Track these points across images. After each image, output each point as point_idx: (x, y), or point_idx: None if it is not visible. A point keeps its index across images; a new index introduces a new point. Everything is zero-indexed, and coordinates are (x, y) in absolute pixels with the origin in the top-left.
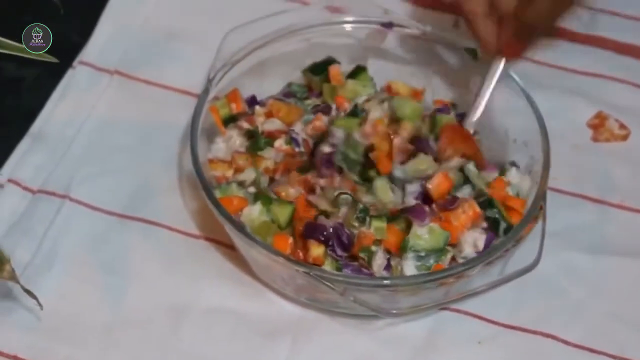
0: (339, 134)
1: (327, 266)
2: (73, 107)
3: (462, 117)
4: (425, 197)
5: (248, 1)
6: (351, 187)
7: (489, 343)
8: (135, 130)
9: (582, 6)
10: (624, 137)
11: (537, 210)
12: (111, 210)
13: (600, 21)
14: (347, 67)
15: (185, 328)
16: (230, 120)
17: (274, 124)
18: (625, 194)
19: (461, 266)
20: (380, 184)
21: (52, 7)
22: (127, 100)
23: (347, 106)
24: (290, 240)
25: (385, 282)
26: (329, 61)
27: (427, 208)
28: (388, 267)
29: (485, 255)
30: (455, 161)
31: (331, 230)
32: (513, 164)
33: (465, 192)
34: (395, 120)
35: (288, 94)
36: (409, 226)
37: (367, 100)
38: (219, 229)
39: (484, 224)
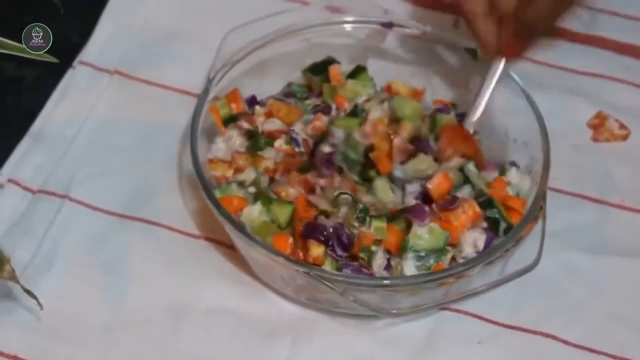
0: (339, 134)
1: (327, 266)
2: (73, 107)
3: (462, 117)
4: (425, 197)
5: (248, 1)
6: (351, 187)
7: (489, 343)
8: (135, 130)
9: (582, 6)
10: (624, 137)
11: (537, 210)
12: (111, 210)
13: (600, 21)
14: (347, 67)
15: (185, 328)
16: (230, 120)
17: (274, 124)
18: (625, 194)
19: (461, 266)
20: (380, 184)
21: (52, 7)
22: (127, 100)
23: (347, 106)
24: (290, 240)
25: (385, 282)
26: (329, 61)
27: (427, 208)
28: (388, 267)
29: (485, 255)
30: (455, 161)
31: (331, 230)
32: (513, 164)
33: (465, 192)
34: (395, 120)
35: (288, 94)
36: (409, 226)
37: (367, 100)
38: (219, 229)
39: (484, 224)
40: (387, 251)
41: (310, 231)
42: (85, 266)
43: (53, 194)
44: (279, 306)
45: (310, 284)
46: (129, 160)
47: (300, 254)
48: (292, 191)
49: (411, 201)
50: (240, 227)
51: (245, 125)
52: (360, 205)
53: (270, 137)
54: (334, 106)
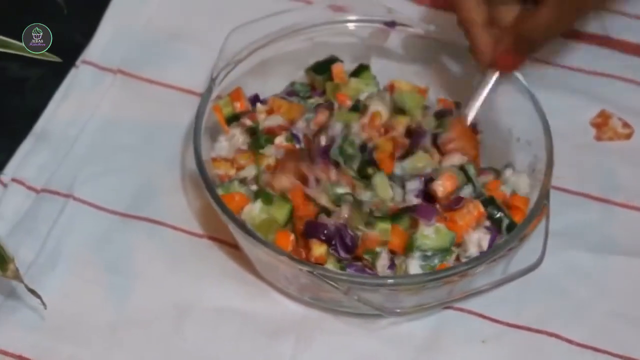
0: (337, 126)
1: (330, 265)
2: (76, 106)
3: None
4: (426, 195)
5: (251, 0)
6: (349, 182)
7: (492, 342)
8: (139, 130)
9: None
10: (628, 136)
11: (541, 208)
12: (115, 210)
13: (604, 20)
14: (350, 66)
15: (188, 327)
16: (233, 119)
17: (276, 120)
18: (629, 193)
19: (465, 265)
20: (380, 181)
21: (55, 7)
22: (130, 100)
23: (349, 104)
24: (292, 237)
25: (389, 281)
26: (332, 60)
27: (433, 207)
28: (392, 266)
29: (489, 254)
30: (456, 158)
31: (333, 229)
32: (507, 165)
33: (466, 192)
34: (396, 112)
35: (291, 92)
36: (412, 225)
37: (369, 97)
38: (222, 228)
39: (487, 223)
40: (391, 251)
41: (312, 231)
42: (88, 265)
43: (57, 193)
44: (283, 305)
45: (314, 283)
46: (132, 159)
47: (303, 253)
48: (285, 181)
49: (412, 199)
50: (243, 226)
51: (248, 122)
52: (366, 208)
53: (272, 134)
54: (336, 104)
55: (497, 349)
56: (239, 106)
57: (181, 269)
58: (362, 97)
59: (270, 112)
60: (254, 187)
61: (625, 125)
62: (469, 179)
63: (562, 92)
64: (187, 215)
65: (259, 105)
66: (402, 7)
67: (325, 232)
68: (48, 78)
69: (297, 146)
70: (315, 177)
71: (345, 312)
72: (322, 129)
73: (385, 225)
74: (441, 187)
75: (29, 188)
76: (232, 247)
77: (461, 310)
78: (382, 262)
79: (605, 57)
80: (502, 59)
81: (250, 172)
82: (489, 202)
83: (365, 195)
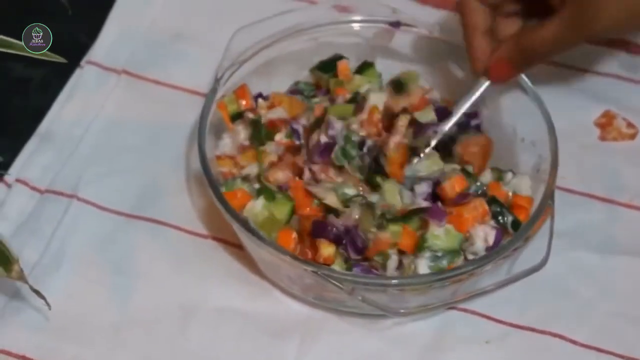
0: (337, 125)
1: (337, 265)
2: (81, 107)
3: (469, 117)
4: (434, 197)
5: (255, 1)
6: (356, 183)
7: (496, 342)
8: (143, 130)
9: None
10: (632, 136)
11: (545, 209)
12: (119, 210)
13: None
14: (354, 66)
15: (192, 328)
16: (238, 117)
17: (278, 113)
18: (634, 193)
19: (470, 265)
20: (389, 188)
21: (60, 7)
22: (135, 100)
23: (348, 97)
24: (294, 235)
25: (394, 281)
26: (338, 57)
27: (444, 208)
28: (399, 266)
29: (494, 254)
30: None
31: (343, 230)
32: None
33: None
34: (397, 91)
35: (295, 91)
36: (422, 226)
37: (368, 90)
38: (226, 229)
39: (492, 222)
40: (399, 251)
41: (320, 231)
42: (93, 266)
43: (61, 193)
44: (287, 306)
45: (318, 283)
46: (136, 160)
47: (309, 253)
48: (280, 175)
49: (421, 202)
50: (248, 226)
51: (250, 115)
52: (378, 211)
53: (273, 127)
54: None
55: (501, 349)
56: (244, 104)
57: (185, 269)
58: (363, 89)
59: (271, 107)
60: (257, 185)
61: (630, 125)
62: (471, 180)
63: (566, 93)
64: (191, 216)
65: (260, 100)
66: (407, 8)
67: (335, 232)
68: (52, 78)
69: (297, 142)
70: (312, 173)
71: (349, 312)
72: (318, 121)
73: (396, 228)
74: (451, 188)
75: (33, 188)
76: (236, 248)
77: (465, 310)
78: (392, 265)
79: (610, 57)
80: (496, 67)
81: (252, 169)
82: (492, 201)
83: (373, 198)
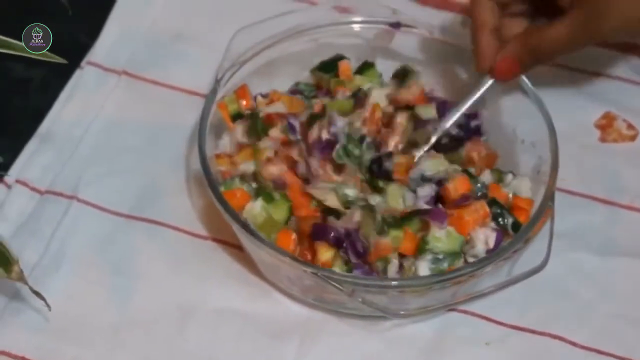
0: (339, 122)
1: (337, 267)
2: (81, 107)
3: (469, 117)
4: (436, 199)
5: (255, 2)
6: (357, 183)
7: (496, 344)
8: (143, 131)
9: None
10: (632, 138)
11: (545, 210)
12: (118, 211)
13: None
14: (354, 67)
15: (192, 328)
16: (238, 117)
17: (276, 108)
18: (634, 194)
19: (470, 267)
20: (393, 192)
21: (60, 8)
22: (135, 101)
23: (348, 94)
24: (294, 236)
25: (394, 283)
26: (339, 57)
27: (445, 210)
28: (399, 268)
29: (494, 256)
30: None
31: (343, 234)
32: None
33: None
34: (402, 80)
35: (295, 92)
36: (422, 228)
37: (370, 87)
38: (226, 230)
39: (492, 224)
40: (399, 254)
41: (320, 234)
42: (92, 267)
43: (61, 194)
44: (286, 307)
45: (318, 284)
46: (136, 160)
47: (308, 255)
48: (275, 169)
49: (422, 205)
50: (247, 227)
51: (248, 112)
52: (379, 217)
53: (270, 122)
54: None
55: (501, 351)
56: (244, 104)
57: (185, 270)
58: (365, 87)
59: (270, 103)
60: (254, 185)
61: (630, 126)
62: (474, 182)
63: (566, 94)
64: (190, 217)
65: (259, 97)
66: (407, 9)
67: (335, 236)
68: (52, 79)
69: (292, 137)
70: (308, 166)
71: (349, 313)
72: (314, 116)
73: (398, 233)
74: (455, 189)
75: (33, 189)
76: (235, 249)
77: (465, 312)
78: (393, 269)
79: (610, 59)
80: (502, 66)
81: (249, 167)
82: (492, 202)
83: (374, 200)
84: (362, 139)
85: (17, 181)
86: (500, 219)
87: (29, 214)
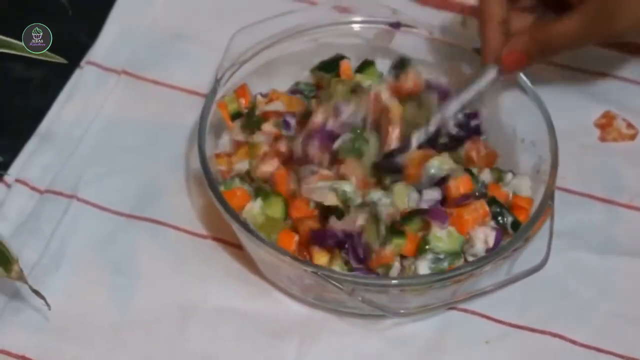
0: (346, 109)
1: (337, 266)
2: (80, 107)
3: (469, 117)
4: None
5: (255, 1)
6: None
7: (496, 343)
8: (143, 130)
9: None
10: (632, 137)
11: (545, 209)
12: (118, 210)
13: None
14: (354, 67)
15: (192, 328)
16: (238, 116)
17: (275, 106)
18: (634, 193)
19: (470, 266)
20: (400, 191)
21: (60, 7)
22: (135, 100)
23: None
24: (296, 237)
25: (394, 282)
26: (340, 57)
27: (446, 210)
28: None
29: (494, 255)
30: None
31: (343, 237)
32: (508, 170)
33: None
34: (402, 69)
35: (295, 91)
36: (423, 228)
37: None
38: (226, 229)
39: (492, 223)
40: (401, 256)
41: (320, 239)
42: (92, 266)
43: (60, 194)
44: (286, 306)
45: (318, 283)
46: (136, 160)
47: (307, 254)
48: (268, 166)
49: (425, 206)
50: (247, 226)
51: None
52: (383, 228)
53: (266, 118)
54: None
55: (501, 349)
56: (244, 102)
57: (185, 269)
58: (365, 84)
59: (269, 102)
60: (248, 184)
61: (630, 126)
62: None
63: (566, 93)
64: (190, 216)
65: (259, 97)
66: (407, 8)
67: (336, 241)
68: (52, 78)
69: (285, 132)
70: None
71: (349, 312)
72: (308, 113)
73: (400, 241)
74: (456, 188)
75: (33, 189)
76: (235, 248)
77: (465, 311)
78: (395, 272)
79: (610, 58)
80: (510, 57)
81: (244, 166)
82: (492, 201)
83: (375, 195)
84: (365, 132)
85: (17, 180)
86: (499, 218)
87: (29, 213)
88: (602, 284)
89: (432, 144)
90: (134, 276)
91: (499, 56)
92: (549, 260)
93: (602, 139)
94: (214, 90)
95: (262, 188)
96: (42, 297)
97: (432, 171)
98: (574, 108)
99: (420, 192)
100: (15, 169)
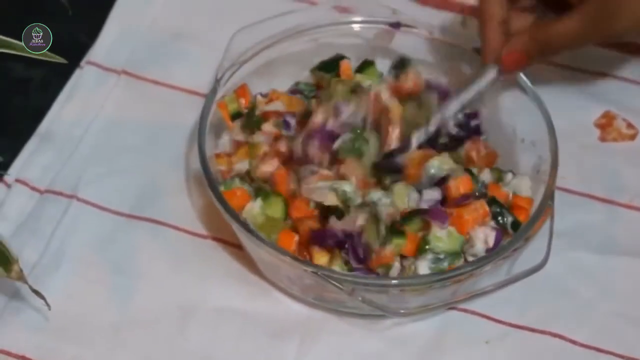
0: (346, 110)
1: (337, 266)
2: (80, 107)
3: (469, 117)
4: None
5: (255, 1)
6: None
7: (496, 343)
8: (143, 130)
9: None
10: (632, 137)
11: (545, 209)
12: (118, 210)
13: None
14: (354, 67)
15: (192, 328)
16: (238, 116)
17: (275, 106)
18: (634, 193)
19: (470, 266)
20: (400, 191)
21: (60, 7)
22: (135, 100)
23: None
24: (296, 238)
25: (394, 282)
26: (340, 57)
27: (446, 210)
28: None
29: (494, 255)
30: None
31: (343, 237)
32: (508, 170)
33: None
34: (402, 69)
35: (295, 91)
36: (423, 228)
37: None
38: (226, 229)
39: (492, 223)
40: (401, 255)
41: (319, 239)
42: (92, 266)
43: (60, 194)
44: (287, 306)
45: (318, 283)
46: (136, 160)
47: (307, 254)
48: (267, 167)
49: (425, 206)
50: (247, 226)
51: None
52: (383, 228)
53: (266, 118)
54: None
55: (501, 349)
56: (244, 102)
57: (185, 269)
58: (365, 84)
59: (269, 102)
60: (248, 185)
61: (630, 126)
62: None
63: (566, 93)
64: (190, 216)
65: (259, 97)
66: (407, 9)
67: (336, 241)
68: (52, 78)
69: (285, 132)
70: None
71: (349, 312)
72: (307, 113)
73: (400, 241)
74: (456, 188)
75: (33, 189)
76: (235, 248)
77: (465, 311)
78: (395, 272)
79: (610, 58)
80: (510, 57)
81: (244, 166)
82: (491, 201)
83: (375, 195)
84: (365, 132)
85: (17, 180)
86: (499, 218)
87: (29, 213)
88: (602, 284)
89: (432, 144)
90: (134, 276)
91: (499, 56)
92: (549, 260)
93: (602, 139)
94: (214, 90)
95: (262, 188)
96: (42, 297)
97: (432, 171)
98: (574, 108)
99: (420, 192)
100: (15, 169)
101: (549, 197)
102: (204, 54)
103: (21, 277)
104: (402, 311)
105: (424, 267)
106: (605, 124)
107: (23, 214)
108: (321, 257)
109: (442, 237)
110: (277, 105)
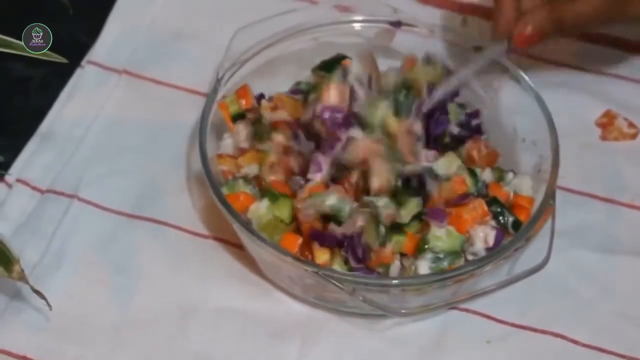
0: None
1: (337, 266)
2: (81, 106)
3: (470, 116)
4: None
5: (256, 1)
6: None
7: (497, 343)
8: (144, 130)
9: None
10: (633, 136)
11: (546, 208)
12: (119, 210)
13: None
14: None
15: (193, 328)
16: (239, 117)
17: (280, 115)
18: (635, 193)
19: (471, 265)
20: (409, 204)
21: (60, 7)
22: (136, 100)
23: None
24: (300, 240)
25: (395, 282)
26: (341, 57)
27: (444, 209)
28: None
29: (495, 254)
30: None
31: (342, 239)
32: (509, 169)
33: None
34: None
35: (296, 91)
36: (422, 228)
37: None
38: (227, 229)
39: (492, 222)
40: (401, 254)
41: (318, 239)
42: (93, 266)
43: (61, 193)
44: (287, 306)
45: (319, 283)
46: (137, 160)
47: (308, 254)
48: (273, 177)
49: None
50: (248, 226)
51: (252, 116)
52: (382, 228)
53: (276, 127)
54: None
55: (502, 349)
56: (245, 103)
57: (186, 269)
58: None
59: (274, 108)
60: (254, 187)
61: (631, 125)
62: (475, 181)
63: (567, 92)
64: (191, 216)
65: (264, 101)
66: (408, 7)
67: (335, 242)
68: (52, 78)
69: (295, 147)
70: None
71: (350, 312)
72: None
73: (400, 238)
74: (451, 186)
75: (34, 188)
76: (236, 248)
77: (466, 310)
78: (395, 271)
79: (611, 57)
80: (524, 33)
81: (252, 170)
82: (492, 201)
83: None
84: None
85: (18, 180)
86: (500, 218)
87: (30, 213)
88: (603, 283)
89: (435, 145)
90: (135, 276)
91: (511, 30)
92: (550, 260)
93: (603, 138)
94: (214, 90)
95: (271, 190)
96: (43, 297)
97: (440, 172)
98: (574, 107)
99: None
100: (16, 169)
101: (550, 196)
102: (204, 54)
103: (22, 277)
104: (403, 311)
105: (424, 266)
106: (607, 123)
107: (24, 214)
108: (322, 254)
109: (441, 236)
110: (283, 115)
